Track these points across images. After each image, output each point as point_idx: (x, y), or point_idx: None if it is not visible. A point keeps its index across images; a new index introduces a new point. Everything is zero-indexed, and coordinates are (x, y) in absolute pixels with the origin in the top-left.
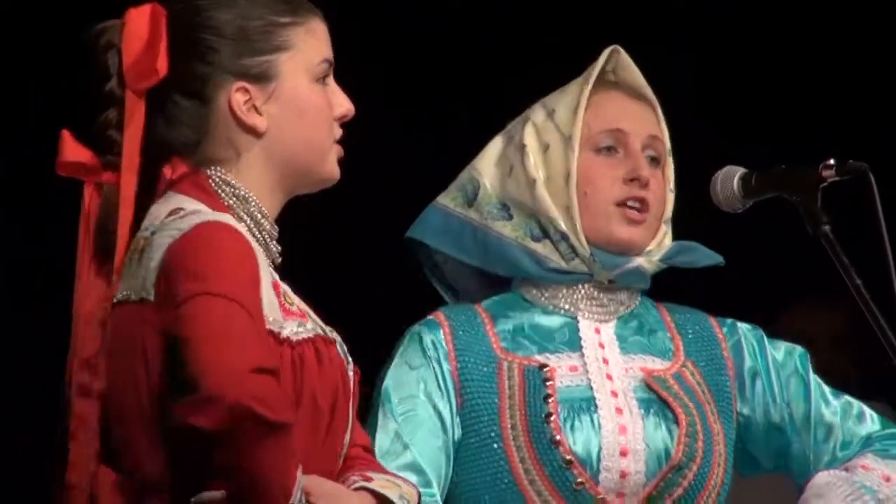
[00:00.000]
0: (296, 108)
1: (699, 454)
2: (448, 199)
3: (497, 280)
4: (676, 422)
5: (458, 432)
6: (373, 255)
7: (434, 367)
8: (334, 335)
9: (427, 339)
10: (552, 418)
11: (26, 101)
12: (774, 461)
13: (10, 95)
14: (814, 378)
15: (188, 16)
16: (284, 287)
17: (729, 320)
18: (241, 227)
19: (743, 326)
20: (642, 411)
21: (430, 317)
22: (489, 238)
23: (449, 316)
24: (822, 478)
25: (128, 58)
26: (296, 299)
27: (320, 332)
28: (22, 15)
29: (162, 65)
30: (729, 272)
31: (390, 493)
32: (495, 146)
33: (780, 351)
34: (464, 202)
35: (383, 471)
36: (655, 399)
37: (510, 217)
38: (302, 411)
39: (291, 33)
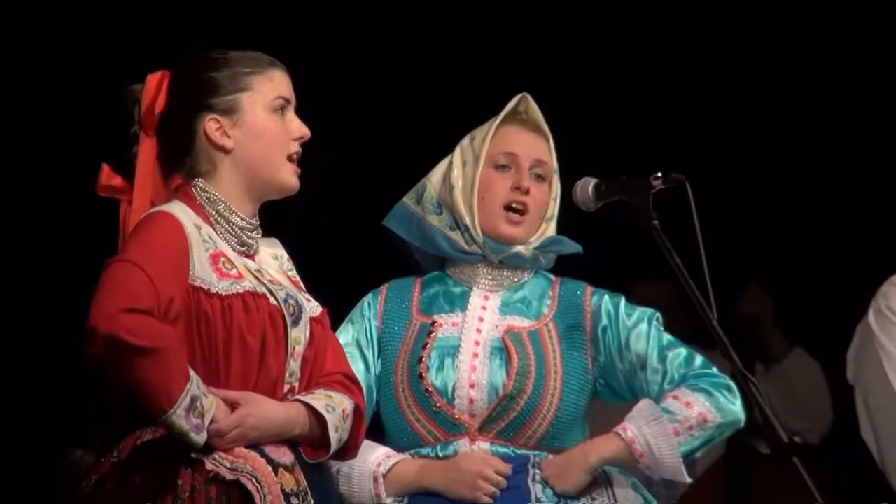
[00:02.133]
0: (253, 132)
1: (528, 389)
2: (408, 198)
3: (441, 258)
4: (510, 363)
5: (378, 371)
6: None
7: (366, 324)
8: (282, 292)
9: (367, 303)
10: (422, 361)
11: (78, 142)
12: (626, 393)
13: (67, 140)
14: (656, 332)
15: (181, 74)
16: (233, 258)
17: (600, 290)
18: (184, 216)
19: (607, 295)
20: (491, 356)
21: (378, 288)
22: (424, 226)
23: (390, 287)
24: (640, 403)
25: (143, 108)
26: (249, 267)
27: (253, 289)
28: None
29: (160, 103)
30: (590, 256)
31: (317, 402)
32: (444, 162)
33: (633, 313)
34: (416, 200)
35: (344, 390)
36: (503, 347)
37: (440, 212)
38: (234, 343)
39: (252, 80)
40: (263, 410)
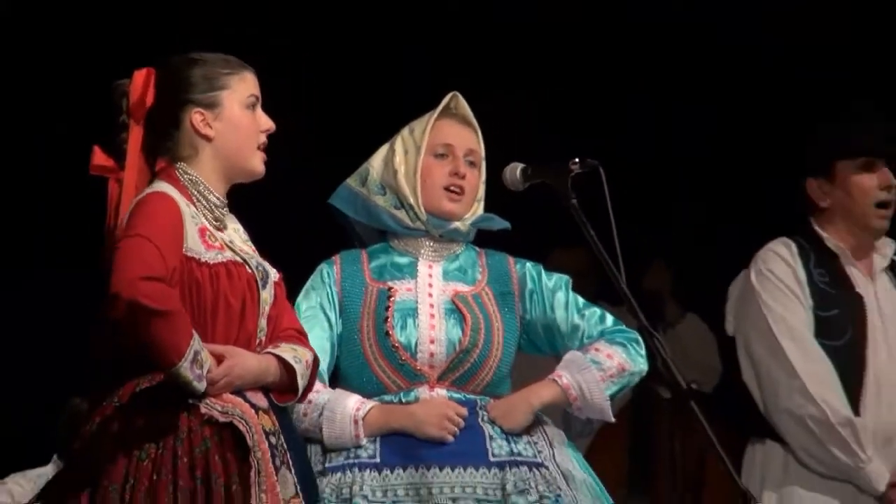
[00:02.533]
0: (231, 124)
1: (480, 344)
2: (351, 180)
3: (381, 233)
4: (465, 322)
5: (339, 329)
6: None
7: (327, 290)
8: (253, 261)
9: (325, 271)
10: (388, 321)
11: (76, 128)
12: (546, 347)
13: (64, 125)
14: (573, 296)
15: (168, 72)
16: (213, 231)
17: (520, 259)
18: (176, 195)
19: (529, 263)
20: (446, 316)
21: (331, 258)
22: (370, 205)
23: (342, 257)
24: (568, 355)
25: (131, 101)
26: (224, 239)
27: (233, 258)
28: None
29: (150, 98)
30: (517, 230)
31: (286, 355)
32: (382, 149)
33: (552, 279)
34: (360, 183)
35: (299, 343)
36: (455, 309)
37: (384, 193)
38: (220, 305)
39: (229, 79)
40: (245, 361)
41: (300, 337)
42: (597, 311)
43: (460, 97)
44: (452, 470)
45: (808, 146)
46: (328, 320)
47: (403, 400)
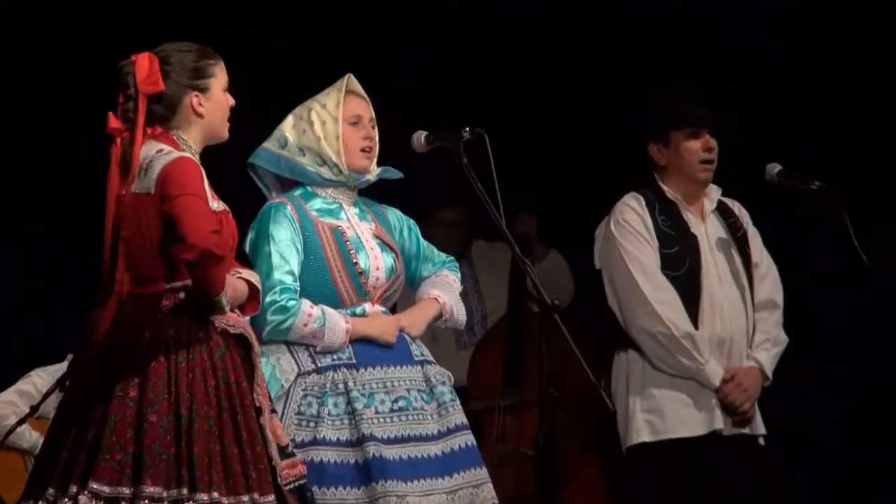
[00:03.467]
0: (217, 105)
1: (399, 269)
2: (270, 144)
3: (287, 184)
4: (394, 252)
5: (302, 256)
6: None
7: (290, 223)
8: (227, 208)
9: (284, 212)
10: (351, 251)
11: (91, 99)
12: (410, 276)
13: (83, 96)
14: (424, 239)
15: (166, 58)
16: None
17: (397, 211)
18: (192, 157)
19: (392, 209)
20: (380, 248)
21: (277, 201)
22: (293, 163)
23: (289, 201)
24: (435, 279)
25: (139, 77)
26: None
27: (225, 208)
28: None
29: (161, 84)
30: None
31: (252, 279)
32: (289, 120)
33: (408, 221)
34: (278, 146)
35: (243, 268)
36: (383, 243)
37: (304, 154)
38: (224, 246)
39: (215, 69)
40: (237, 285)
41: (237, 263)
42: (433, 247)
43: (354, 78)
44: (400, 367)
45: (649, 117)
46: (297, 249)
47: (357, 313)
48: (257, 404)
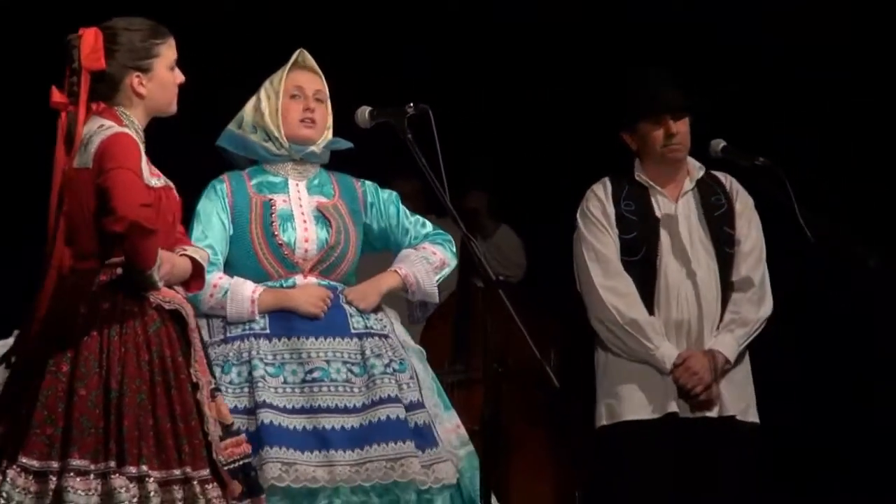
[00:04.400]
0: (160, 83)
1: (341, 243)
2: (232, 125)
3: (253, 162)
4: (331, 226)
5: (231, 231)
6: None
7: (220, 200)
8: (171, 184)
9: (217, 188)
10: (273, 224)
11: (37, 72)
12: (379, 245)
13: (28, 69)
14: (403, 208)
15: (112, 36)
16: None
17: (363, 180)
18: (132, 133)
19: (368, 182)
20: (315, 221)
21: (219, 178)
22: (246, 141)
23: (229, 177)
24: (403, 252)
25: (83, 53)
26: (155, 169)
27: (166, 184)
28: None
29: (102, 62)
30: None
31: (196, 254)
32: (252, 100)
33: (386, 193)
34: (237, 126)
35: (191, 245)
36: (321, 216)
37: (255, 131)
38: (160, 221)
39: (160, 48)
40: (177, 262)
41: (186, 239)
42: (420, 219)
43: (306, 52)
44: (325, 339)
45: (620, 109)
46: (222, 223)
47: (285, 285)
48: (194, 380)
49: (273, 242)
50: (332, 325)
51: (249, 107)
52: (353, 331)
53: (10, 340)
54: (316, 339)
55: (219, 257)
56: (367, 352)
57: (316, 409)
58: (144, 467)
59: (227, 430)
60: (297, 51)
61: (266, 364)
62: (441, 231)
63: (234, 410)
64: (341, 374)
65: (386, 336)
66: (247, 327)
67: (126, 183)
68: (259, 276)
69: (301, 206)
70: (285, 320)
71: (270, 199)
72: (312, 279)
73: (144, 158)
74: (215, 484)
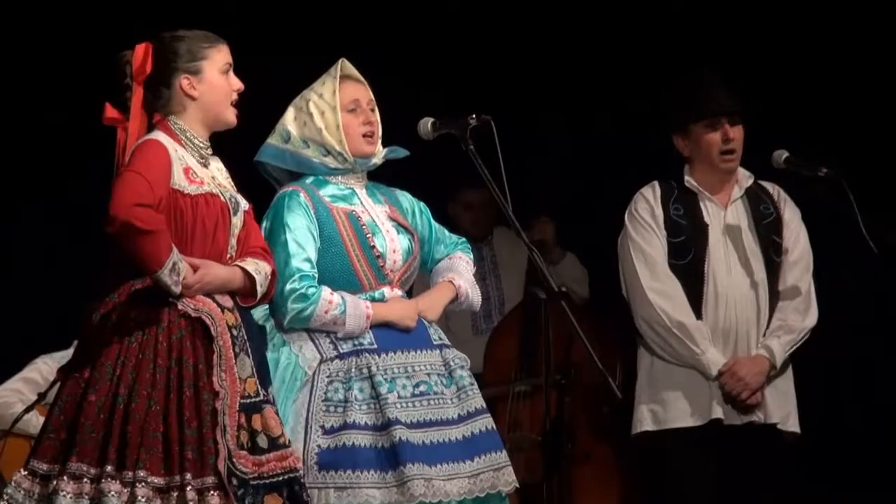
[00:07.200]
0: (210, 87)
1: (416, 252)
2: (274, 140)
3: (295, 176)
4: (411, 236)
5: (319, 243)
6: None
7: (305, 211)
8: (216, 192)
9: (298, 198)
10: (367, 235)
11: (93, 87)
12: (423, 259)
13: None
14: (436, 223)
15: (162, 46)
16: (197, 170)
17: (407, 194)
18: (166, 141)
19: (401, 191)
20: (396, 231)
21: (290, 189)
22: (299, 157)
23: (302, 188)
24: (449, 263)
25: (135, 66)
26: (206, 176)
27: (210, 191)
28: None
29: (149, 67)
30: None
31: (249, 267)
32: (290, 113)
33: (420, 203)
34: (282, 141)
35: (262, 259)
36: (399, 225)
37: (308, 147)
38: (197, 227)
39: (208, 51)
40: (215, 271)
41: (264, 254)
42: (445, 229)
43: (347, 62)
44: (420, 352)
45: (670, 110)
46: (313, 236)
47: (376, 297)
48: (216, 388)
49: (370, 254)
50: (419, 339)
51: (292, 120)
52: (434, 343)
53: (69, 351)
54: (413, 352)
55: (315, 270)
56: (451, 363)
57: (429, 422)
58: (141, 472)
59: (274, 443)
60: (339, 61)
61: (383, 379)
62: (463, 239)
63: (366, 427)
64: (438, 386)
65: (450, 347)
66: (357, 343)
67: (125, 182)
68: (351, 288)
69: (378, 216)
70: (388, 334)
71: (353, 210)
72: (397, 291)
73: (179, 164)
74: (219, 493)
